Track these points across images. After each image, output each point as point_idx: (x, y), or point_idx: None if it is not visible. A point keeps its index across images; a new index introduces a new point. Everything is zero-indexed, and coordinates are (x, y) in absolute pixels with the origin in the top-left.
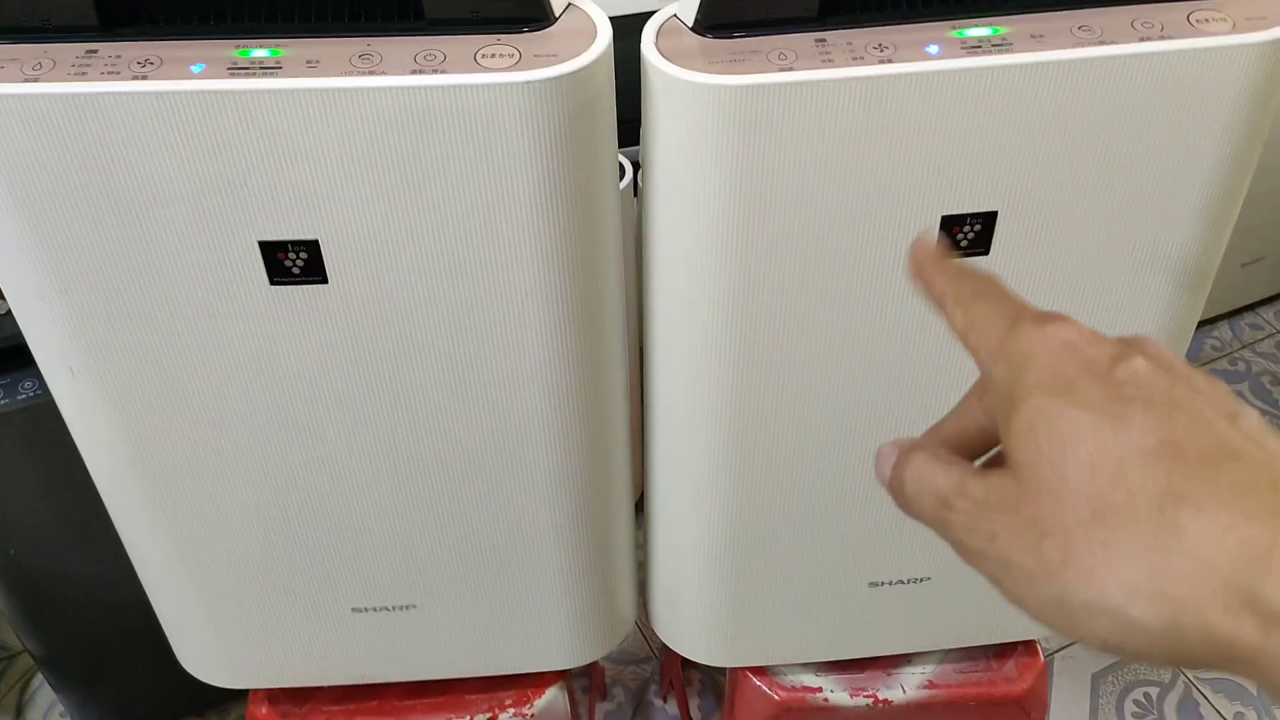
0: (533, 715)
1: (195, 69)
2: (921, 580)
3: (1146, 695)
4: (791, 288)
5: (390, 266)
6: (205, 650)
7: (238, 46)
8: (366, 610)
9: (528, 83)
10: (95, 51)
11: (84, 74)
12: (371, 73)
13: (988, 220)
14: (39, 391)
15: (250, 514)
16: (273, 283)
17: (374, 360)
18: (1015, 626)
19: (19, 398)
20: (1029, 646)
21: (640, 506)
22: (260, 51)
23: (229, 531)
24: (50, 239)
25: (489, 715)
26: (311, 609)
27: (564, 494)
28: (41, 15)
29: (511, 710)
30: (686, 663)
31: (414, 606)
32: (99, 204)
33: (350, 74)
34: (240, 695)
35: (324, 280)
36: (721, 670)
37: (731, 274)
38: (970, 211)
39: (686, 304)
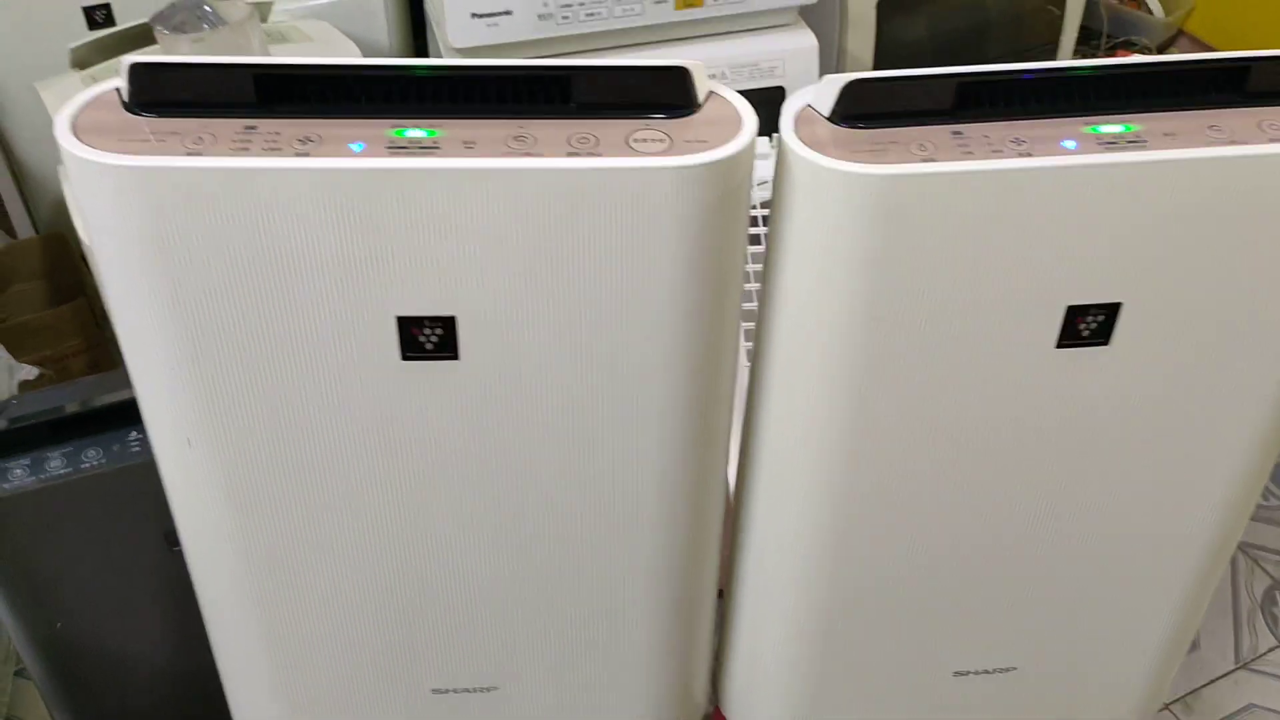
0: None
1: (355, 147)
2: (1007, 670)
3: None
4: (911, 374)
5: (522, 344)
6: None
7: (393, 126)
8: (447, 691)
9: (683, 167)
10: (254, 127)
11: (245, 149)
12: (528, 154)
13: (1110, 311)
14: (101, 461)
15: (345, 588)
16: (404, 358)
17: (492, 436)
18: (1093, 716)
19: (82, 467)
20: None
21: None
22: (416, 131)
23: (319, 605)
24: (189, 308)
25: None
26: (391, 689)
27: (660, 576)
28: (203, 91)
29: None
30: None
31: (495, 689)
32: (243, 275)
33: (507, 154)
34: None
35: (455, 356)
36: None
37: (852, 360)
38: (1094, 303)
39: (803, 387)
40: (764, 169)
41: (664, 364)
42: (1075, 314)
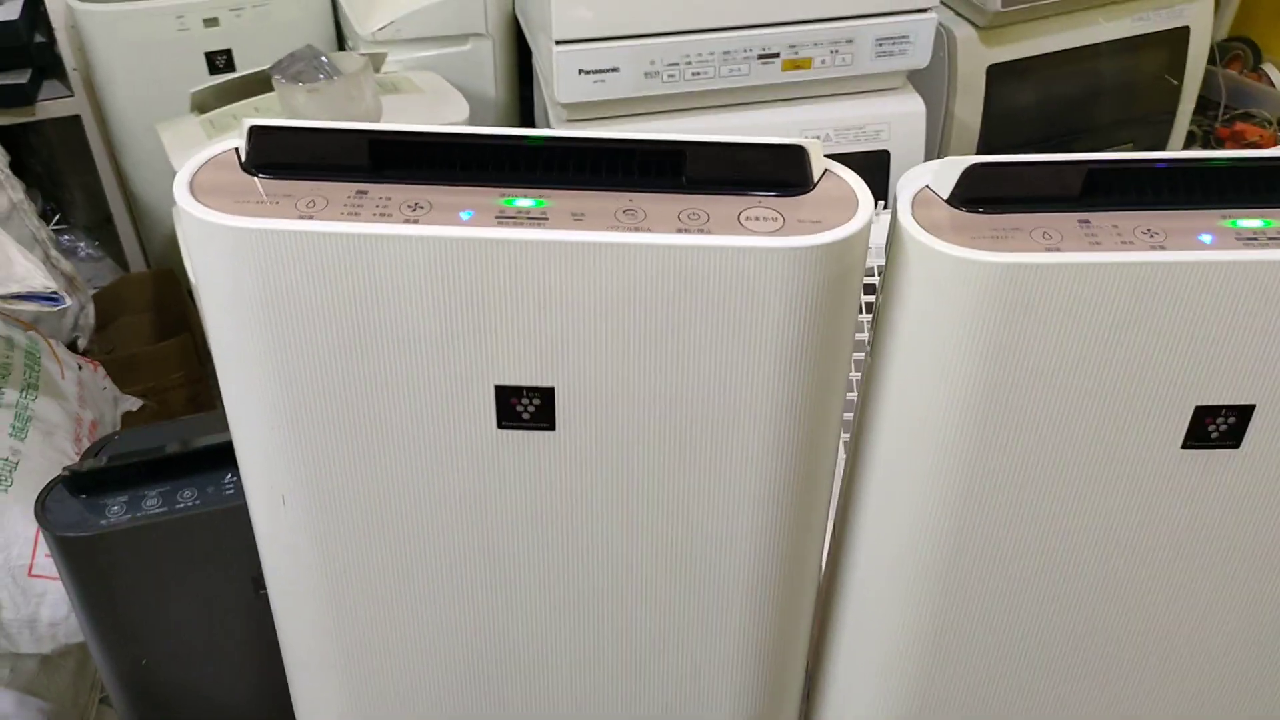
0: None
1: (464, 215)
2: None
3: None
4: (1024, 476)
5: (619, 419)
6: None
7: (503, 195)
8: None
9: (796, 249)
10: (366, 192)
11: (356, 214)
12: (638, 228)
13: (1243, 413)
14: (196, 503)
15: (426, 651)
16: (500, 426)
17: (584, 510)
18: None
19: (177, 508)
20: None
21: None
22: (525, 201)
23: (401, 667)
24: (291, 369)
25: None
26: None
27: (746, 664)
28: (319, 154)
29: None
30: None
31: None
32: (346, 339)
33: (616, 228)
34: None
35: (551, 428)
36: None
37: (961, 457)
38: (1225, 404)
39: (905, 482)
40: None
41: (763, 449)
42: (1204, 414)
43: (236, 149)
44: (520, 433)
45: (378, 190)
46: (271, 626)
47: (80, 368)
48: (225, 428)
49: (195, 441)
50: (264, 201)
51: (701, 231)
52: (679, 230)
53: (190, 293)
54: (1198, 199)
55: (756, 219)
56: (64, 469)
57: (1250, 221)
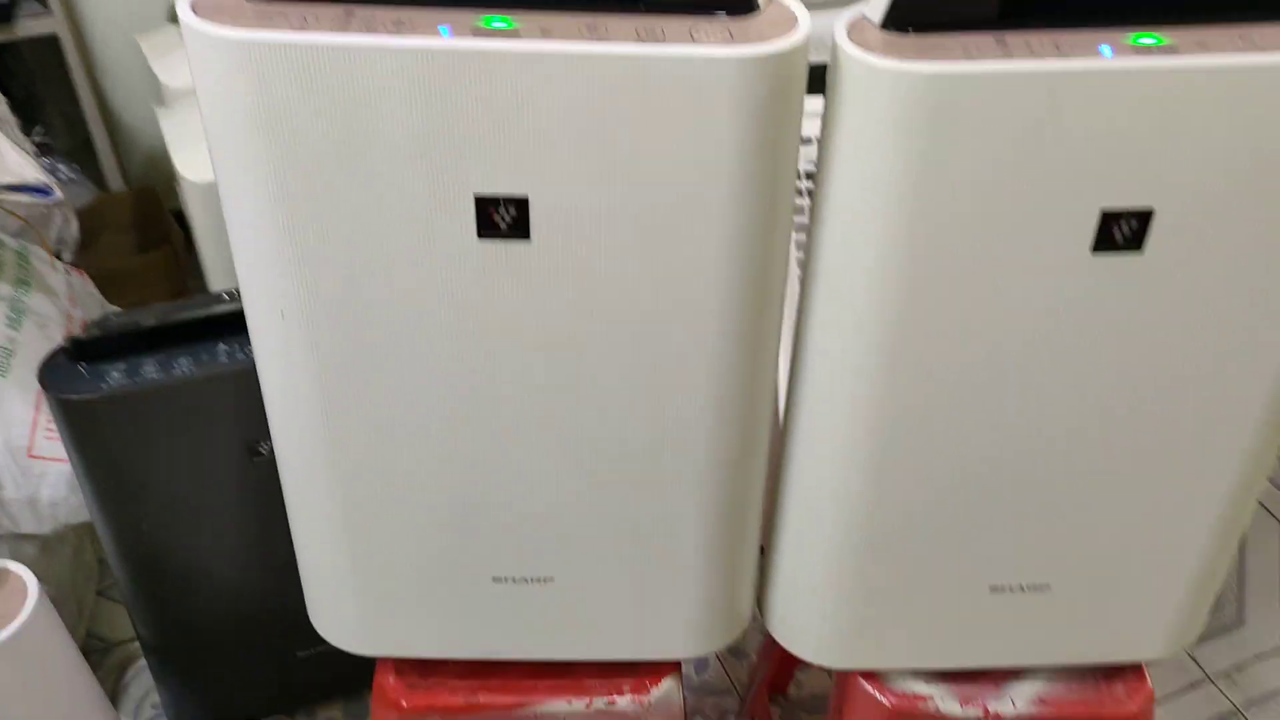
0: (649, 704)
1: (443, 30)
2: (1041, 588)
3: None
4: (954, 276)
5: (587, 227)
6: (347, 617)
7: (478, 15)
8: (506, 580)
9: (742, 57)
10: (352, 13)
11: (344, 29)
12: (601, 39)
13: (1143, 218)
14: (191, 370)
15: (418, 477)
16: (480, 236)
17: (558, 320)
18: (1126, 648)
19: (173, 373)
20: (1137, 671)
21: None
22: (499, 22)
23: (395, 496)
24: (286, 178)
25: (608, 699)
26: (456, 576)
27: (709, 480)
28: None
29: (630, 696)
30: (771, 696)
31: (551, 579)
32: (336, 148)
33: (580, 40)
34: (325, 699)
35: (527, 238)
36: (806, 699)
37: (898, 260)
38: (1128, 208)
39: (849, 291)
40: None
41: (720, 255)
42: (1110, 219)
43: None
44: (499, 243)
45: (363, 11)
46: (267, 491)
47: (69, 273)
48: (214, 303)
49: (188, 313)
50: (260, 19)
51: (656, 42)
52: (637, 41)
53: (173, 211)
54: (1101, 21)
55: (707, 34)
56: (65, 339)
57: (1146, 39)
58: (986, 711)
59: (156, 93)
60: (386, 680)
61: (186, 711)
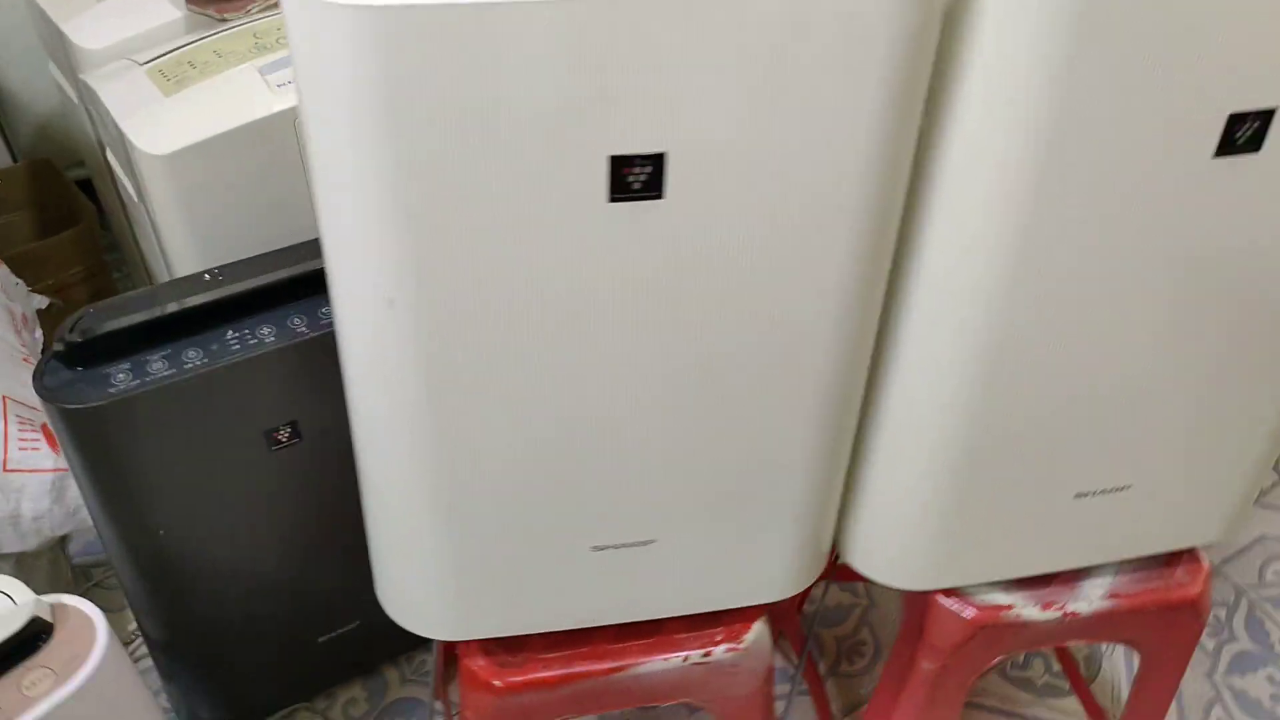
0: (745, 649)
1: None
2: (1123, 489)
3: None
4: (1084, 187)
5: (726, 178)
6: (436, 604)
7: None
8: (607, 548)
9: None
10: None
11: None
12: None
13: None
14: (204, 361)
15: (525, 453)
16: (611, 199)
17: (686, 275)
18: (1190, 535)
19: (185, 368)
20: (1192, 554)
21: None
22: None
23: (498, 475)
24: (410, 156)
25: (704, 650)
26: (556, 550)
27: (822, 414)
28: None
29: (724, 645)
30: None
31: (652, 541)
32: (465, 120)
33: None
34: (345, 681)
35: (660, 195)
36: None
37: (1029, 169)
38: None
39: (967, 203)
40: None
41: (856, 184)
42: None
43: None
44: (629, 204)
45: None
46: (288, 482)
47: None
48: (209, 287)
49: (190, 300)
50: None
51: None
52: None
53: (77, 182)
54: None
55: None
56: (56, 342)
57: None
58: (1066, 612)
59: (62, 55)
60: (476, 662)
61: (200, 710)
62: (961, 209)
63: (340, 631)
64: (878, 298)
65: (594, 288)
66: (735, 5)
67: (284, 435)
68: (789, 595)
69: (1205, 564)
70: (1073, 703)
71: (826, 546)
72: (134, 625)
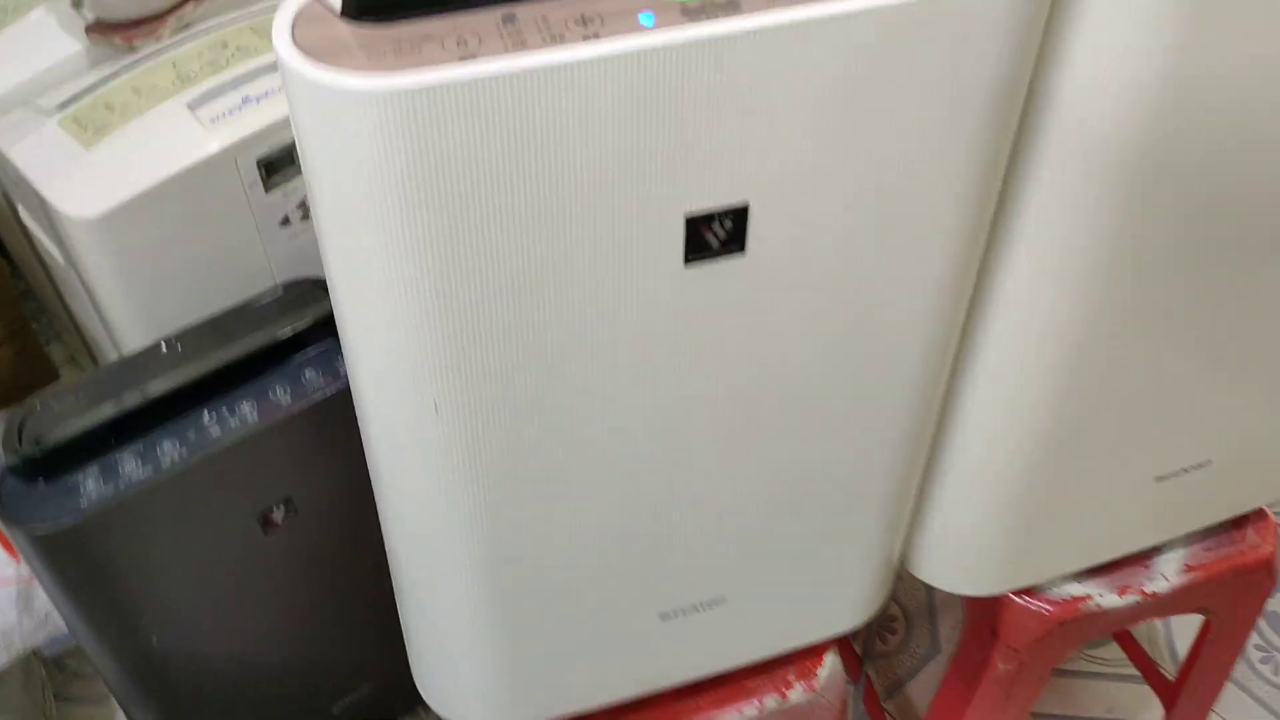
0: (820, 685)
1: (644, 19)
2: (1203, 465)
3: None
4: (1182, 183)
5: (814, 220)
6: (487, 692)
7: None
8: (675, 614)
9: None
10: (514, 17)
11: (521, 43)
12: None
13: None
14: (184, 452)
15: (584, 535)
16: (687, 263)
17: (766, 334)
18: (1262, 495)
19: (163, 464)
20: (1259, 514)
21: None
22: None
23: (556, 560)
24: (455, 248)
25: (777, 696)
26: (619, 623)
27: (901, 451)
28: None
29: (800, 686)
30: None
31: (722, 600)
32: (521, 199)
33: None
34: None
35: (741, 250)
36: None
37: (1127, 169)
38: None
39: (1058, 208)
40: None
41: (953, 209)
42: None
43: None
44: (706, 265)
45: (525, 10)
46: (284, 560)
47: None
48: (163, 365)
49: (154, 384)
50: (404, 51)
51: None
52: None
53: None
54: None
55: None
56: (6, 452)
57: None
58: (1144, 594)
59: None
60: None
61: None
62: (1047, 217)
63: (355, 696)
64: (962, 316)
65: (667, 360)
66: (836, 28)
67: (279, 515)
68: (862, 623)
69: (1273, 519)
70: (1114, 650)
71: (896, 565)
72: (122, 716)
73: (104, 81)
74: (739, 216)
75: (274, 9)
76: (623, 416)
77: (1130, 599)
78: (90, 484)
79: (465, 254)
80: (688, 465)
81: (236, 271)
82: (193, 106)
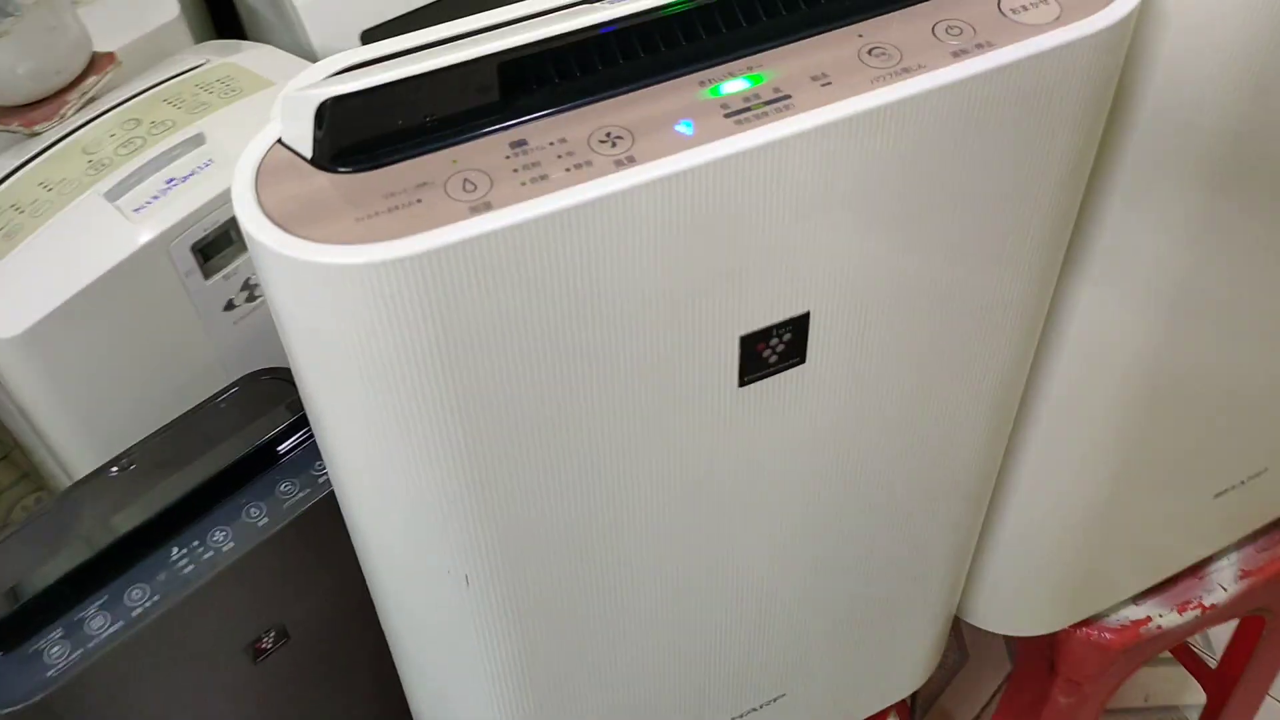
0: None
1: (682, 129)
2: (1261, 473)
3: None
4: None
5: (881, 316)
6: None
7: (701, 83)
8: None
9: (1107, 28)
10: (524, 143)
11: (542, 177)
12: (906, 70)
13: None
14: (156, 599)
15: (638, 658)
16: (742, 384)
17: (815, 434)
18: None
19: (134, 615)
20: None
21: None
22: (736, 82)
23: (602, 687)
24: (482, 415)
25: None
26: None
27: (965, 516)
28: (421, 109)
29: None
30: None
31: (783, 696)
32: (551, 352)
33: (880, 79)
34: None
35: (801, 360)
36: None
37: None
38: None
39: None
40: None
41: (1020, 280)
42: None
43: (280, 140)
44: (763, 383)
45: (535, 133)
46: (281, 686)
47: None
48: (116, 491)
49: (114, 520)
50: (400, 205)
51: (981, 49)
52: (954, 55)
53: None
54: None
55: (1023, 8)
56: None
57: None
58: (1204, 607)
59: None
60: None
61: None
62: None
63: None
64: (1026, 373)
65: (721, 482)
66: (901, 112)
67: (269, 643)
68: (920, 685)
69: None
70: None
71: (950, 622)
72: None
73: (7, 178)
74: (799, 326)
75: (185, 74)
76: (677, 547)
77: (1190, 615)
78: (55, 650)
79: (496, 415)
80: (747, 580)
81: (183, 369)
82: (112, 197)
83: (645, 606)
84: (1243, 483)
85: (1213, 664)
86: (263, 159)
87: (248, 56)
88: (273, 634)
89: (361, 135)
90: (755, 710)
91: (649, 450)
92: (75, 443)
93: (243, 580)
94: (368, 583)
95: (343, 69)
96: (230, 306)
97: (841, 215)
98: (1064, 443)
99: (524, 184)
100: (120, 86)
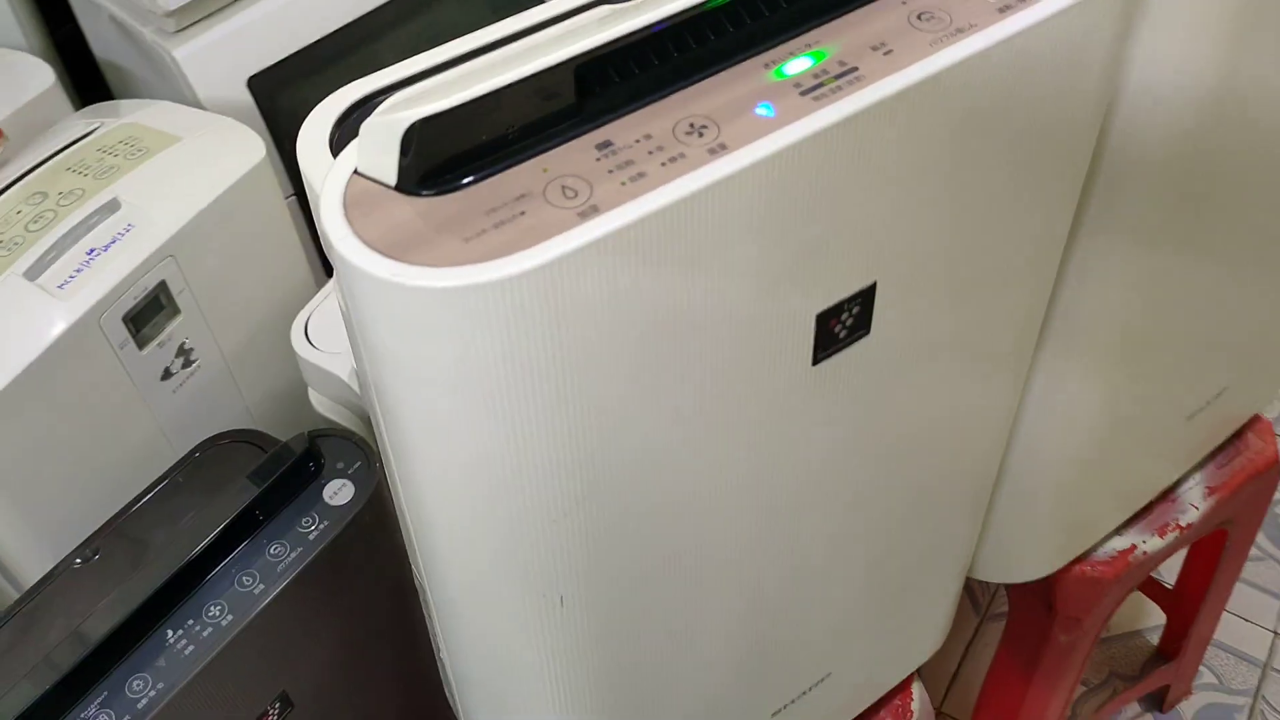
0: (917, 716)
1: (762, 111)
2: (1223, 392)
3: None
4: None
5: (934, 284)
6: None
7: (768, 64)
8: (787, 706)
9: None
10: (609, 144)
11: (639, 175)
12: (959, 30)
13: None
14: (160, 689)
15: (696, 664)
16: (816, 362)
17: (874, 406)
18: (1259, 402)
19: (139, 706)
20: (1255, 418)
21: None
22: (800, 60)
23: (668, 685)
24: (581, 419)
25: None
26: None
27: (987, 475)
28: (505, 121)
29: None
30: None
31: (829, 676)
32: (653, 353)
33: (940, 42)
34: None
35: (867, 332)
36: None
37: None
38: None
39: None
40: None
41: (1049, 237)
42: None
43: (359, 172)
44: (832, 360)
45: (618, 132)
46: None
47: None
48: (86, 582)
49: (100, 618)
50: (505, 220)
51: (1024, 2)
52: (1000, 11)
53: None
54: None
55: None
56: None
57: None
58: (1181, 527)
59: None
60: None
61: None
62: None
63: None
64: (1038, 329)
65: (787, 463)
66: (960, 75)
67: (274, 713)
68: (938, 648)
69: (1267, 418)
70: None
71: (964, 579)
72: None
73: None
74: (867, 298)
75: (82, 140)
76: (751, 541)
77: (1171, 537)
78: None
79: (606, 419)
80: (803, 562)
81: (125, 446)
82: (31, 275)
83: (719, 604)
84: (1209, 403)
85: (1169, 585)
86: (344, 192)
87: (147, 114)
88: (278, 704)
89: (445, 155)
90: (805, 693)
91: (729, 444)
92: (26, 543)
93: (243, 655)
94: (427, 610)
95: (362, 97)
96: (167, 375)
97: (910, 179)
98: (1059, 396)
99: (624, 184)
100: (12, 162)
